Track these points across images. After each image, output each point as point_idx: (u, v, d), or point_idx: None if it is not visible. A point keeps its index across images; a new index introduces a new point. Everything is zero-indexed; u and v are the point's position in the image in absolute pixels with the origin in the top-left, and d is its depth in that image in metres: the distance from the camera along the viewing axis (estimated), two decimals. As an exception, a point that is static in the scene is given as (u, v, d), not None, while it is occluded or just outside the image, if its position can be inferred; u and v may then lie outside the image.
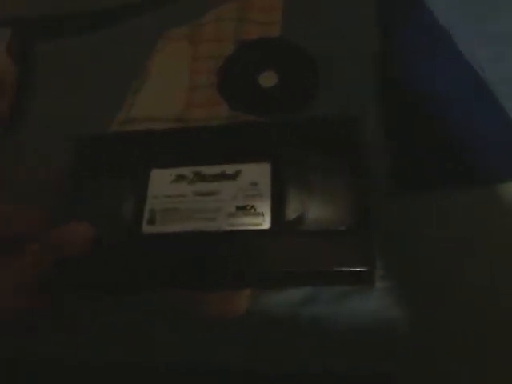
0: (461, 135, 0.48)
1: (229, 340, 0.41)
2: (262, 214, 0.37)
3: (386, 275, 0.42)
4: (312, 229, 0.36)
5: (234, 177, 0.38)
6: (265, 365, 0.40)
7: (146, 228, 0.37)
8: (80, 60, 0.53)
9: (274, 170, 0.38)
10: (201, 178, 0.38)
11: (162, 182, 0.39)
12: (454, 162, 0.46)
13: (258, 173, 0.38)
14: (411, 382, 0.39)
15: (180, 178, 0.39)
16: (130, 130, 0.49)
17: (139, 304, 0.41)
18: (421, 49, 0.53)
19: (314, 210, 0.37)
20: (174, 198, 0.38)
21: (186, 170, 0.39)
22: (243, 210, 0.37)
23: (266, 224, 0.36)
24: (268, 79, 0.51)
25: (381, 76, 0.51)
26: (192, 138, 0.41)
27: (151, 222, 0.37)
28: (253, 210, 0.37)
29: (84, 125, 0.49)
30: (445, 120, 0.49)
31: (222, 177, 0.38)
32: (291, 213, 0.37)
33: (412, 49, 0.53)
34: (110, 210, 0.38)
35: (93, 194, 0.39)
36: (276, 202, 0.37)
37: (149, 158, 0.40)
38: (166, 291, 0.39)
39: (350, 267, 0.35)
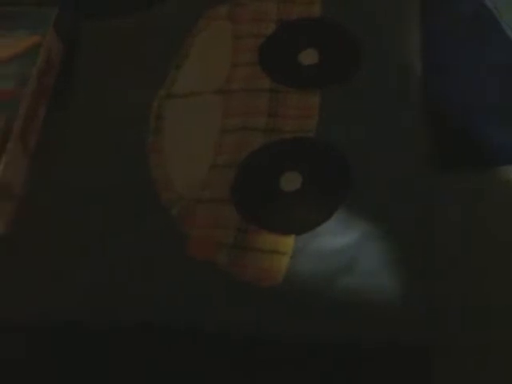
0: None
1: (262, 308, 0.41)
2: None
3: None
4: None
5: None
6: (291, 336, 0.40)
7: None
8: (123, 39, 0.54)
9: None
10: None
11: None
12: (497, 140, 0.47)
13: None
14: (449, 356, 0.38)
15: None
16: (173, 105, 0.50)
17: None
18: (465, 34, 0.53)
19: None
20: None
21: None
22: None
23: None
24: (308, 57, 0.51)
25: (422, 59, 0.51)
26: None
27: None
28: None
29: (127, 101, 0.51)
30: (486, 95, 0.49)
31: None
32: None
33: (455, 33, 0.53)
34: None
35: None
36: None
37: None
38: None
39: None
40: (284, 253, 0.42)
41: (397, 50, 0.51)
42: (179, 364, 0.40)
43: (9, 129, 0.47)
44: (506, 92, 0.49)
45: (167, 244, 0.44)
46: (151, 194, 0.46)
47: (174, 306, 0.41)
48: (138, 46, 0.54)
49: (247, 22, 0.54)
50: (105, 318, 0.41)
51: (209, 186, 0.46)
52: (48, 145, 0.50)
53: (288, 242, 0.42)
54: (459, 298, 0.40)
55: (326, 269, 0.41)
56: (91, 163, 0.49)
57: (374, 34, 0.52)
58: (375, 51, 0.51)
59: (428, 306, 0.39)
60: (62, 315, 0.42)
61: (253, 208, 0.44)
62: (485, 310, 0.40)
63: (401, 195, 0.44)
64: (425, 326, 0.39)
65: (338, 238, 0.42)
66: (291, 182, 0.45)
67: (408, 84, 0.49)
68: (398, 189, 0.44)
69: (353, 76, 0.50)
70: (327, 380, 0.39)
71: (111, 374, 0.40)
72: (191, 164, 0.47)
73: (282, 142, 0.47)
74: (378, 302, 0.40)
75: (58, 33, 0.53)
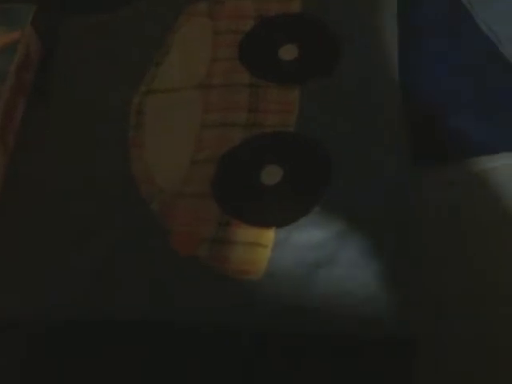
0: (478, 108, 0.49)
1: (244, 300, 0.41)
2: None
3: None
4: None
5: None
6: (275, 326, 0.40)
7: None
8: (103, 35, 0.54)
9: None
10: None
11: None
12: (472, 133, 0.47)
13: None
14: (432, 349, 0.38)
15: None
16: (154, 101, 0.50)
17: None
18: (439, 25, 0.53)
19: None
20: None
21: None
22: None
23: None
24: (288, 52, 0.51)
25: (400, 53, 0.51)
26: None
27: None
28: None
29: (105, 97, 0.51)
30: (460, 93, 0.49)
31: None
32: None
33: (429, 26, 0.53)
34: None
35: None
36: None
37: None
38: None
39: None
40: (265, 245, 0.42)
41: (375, 45, 0.52)
42: (171, 360, 0.40)
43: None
44: (480, 89, 0.49)
45: (149, 238, 0.44)
46: (132, 188, 0.46)
47: (160, 302, 0.41)
48: (118, 42, 0.53)
49: (226, 19, 0.54)
50: (88, 316, 0.41)
51: (189, 181, 0.46)
52: (27, 141, 0.50)
53: (269, 235, 0.42)
54: (444, 288, 0.41)
55: (307, 261, 0.42)
56: (71, 159, 0.48)
57: (352, 29, 0.53)
58: (354, 47, 0.51)
59: (410, 297, 0.40)
60: (53, 314, 0.42)
61: (234, 202, 0.45)
62: (470, 300, 0.40)
63: (381, 189, 0.44)
64: (407, 317, 0.39)
65: (319, 231, 0.43)
66: (272, 175, 0.45)
67: (386, 80, 0.50)
68: (378, 183, 0.44)
69: (332, 71, 0.50)
70: (314, 370, 0.39)
71: (105, 371, 0.40)
72: (172, 159, 0.47)
73: (263, 136, 0.47)
74: (358, 293, 0.40)
75: (36, 29, 0.53)
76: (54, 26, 0.55)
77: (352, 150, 0.46)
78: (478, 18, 0.53)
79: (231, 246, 0.42)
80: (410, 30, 0.53)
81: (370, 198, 0.44)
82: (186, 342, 0.40)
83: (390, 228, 0.43)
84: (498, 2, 0.54)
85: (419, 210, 0.43)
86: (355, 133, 0.47)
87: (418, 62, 0.51)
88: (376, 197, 0.44)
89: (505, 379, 0.38)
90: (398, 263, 0.41)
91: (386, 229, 0.43)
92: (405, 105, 0.48)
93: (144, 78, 0.51)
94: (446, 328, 0.39)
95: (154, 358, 0.40)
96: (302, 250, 0.42)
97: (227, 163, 0.46)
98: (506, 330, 0.39)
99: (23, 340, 0.41)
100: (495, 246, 0.42)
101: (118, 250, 0.43)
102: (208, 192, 0.45)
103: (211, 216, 0.44)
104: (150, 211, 0.44)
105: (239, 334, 0.40)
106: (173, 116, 0.49)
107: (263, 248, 0.42)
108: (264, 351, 0.40)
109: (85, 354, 0.41)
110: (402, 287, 0.40)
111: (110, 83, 0.51)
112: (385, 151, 0.46)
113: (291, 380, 0.39)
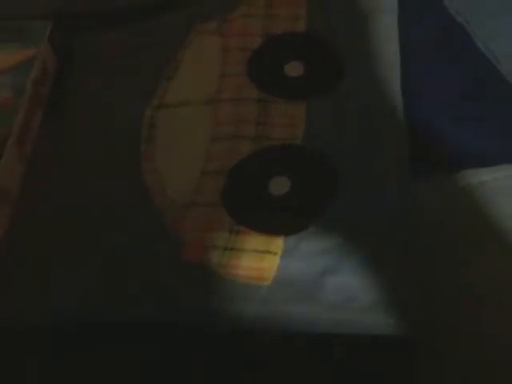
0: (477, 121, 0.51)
1: (254, 306, 0.42)
2: None
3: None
4: None
5: None
6: (283, 332, 0.41)
7: None
8: (116, 51, 0.56)
9: None
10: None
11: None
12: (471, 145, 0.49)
13: None
14: (435, 350, 0.40)
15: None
16: (165, 114, 0.52)
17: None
18: (436, 44, 0.56)
19: None
20: None
21: None
22: None
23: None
24: (294, 69, 0.54)
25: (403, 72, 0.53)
26: None
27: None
28: None
29: (120, 112, 0.53)
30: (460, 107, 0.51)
31: None
32: None
33: (427, 45, 0.56)
34: None
35: None
36: None
37: None
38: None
39: None
40: (275, 253, 0.44)
41: (377, 63, 0.54)
42: (177, 362, 0.41)
43: (6, 136, 0.48)
44: (476, 103, 0.52)
45: (161, 247, 0.45)
46: (144, 200, 0.48)
47: (172, 307, 0.43)
48: (130, 58, 0.55)
49: (235, 36, 0.56)
50: (94, 317, 0.43)
51: (200, 192, 0.47)
52: (42, 153, 0.52)
53: (278, 243, 0.44)
54: (444, 290, 0.42)
55: (314, 268, 0.43)
56: (85, 171, 0.50)
57: (355, 48, 0.55)
58: (357, 64, 0.54)
59: (414, 302, 0.41)
60: (60, 316, 0.43)
61: (243, 211, 0.46)
62: (470, 301, 0.42)
63: (384, 201, 0.46)
64: (412, 321, 0.41)
65: (326, 240, 0.44)
66: (280, 186, 0.47)
67: (388, 95, 0.52)
68: (380, 195, 0.46)
69: (336, 87, 0.52)
70: (318, 371, 0.40)
71: (108, 371, 0.41)
72: (182, 171, 0.49)
73: (271, 148, 0.49)
74: (364, 299, 0.42)
75: (52, 45, 0.55)
76: (68, 41, 0.57)
77: (356, 163, 0.48)
78: (475, 36, 0.55)
79: (242, 254, 0.44)
80: (410, 46, 0.55)
81: (373, 209, 0.46)
82: (192, 343, 0.42)
83: (391, 238, 0.44)
84: (493, 19, 0.56)
85: (416, 216, 0.45)
86: (359, 146, 0.49)
87: (418, 78, 0.53)
88: (379, 208, 0.46)
89: (503, 380, 0.39)
90: (399, 270, 0.43)
91: (388, 239, 0.44)
92: (405, 118, 0.50)
93: (156, 91, 0.53)
94: (445, 328, 0.41)
95: (160, 358, 0.41)
96: (310, 258, 0.44)
97: (236, 174, 0.48)
98: (505, 331, 0.40)
99: (31, 341, 0.43)
100: (492, 253, 0.44)
101: (127, 254, 0.45)
102: (218, 202, 0.47)
103: (222, 225, 0.45)
104: (163, 221, 0.46)
105: (247, 337, 0.41)
106: (183, 129, 0.51)
107: (273, 255, 0.44)
108: (270, 353, 0.41)
109: (89, 354, 0.42)
110: (403, 291, 0.42)
111: (122, 98, 0.53)
112: (387, 164, 0.48)
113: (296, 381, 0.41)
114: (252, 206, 0.47)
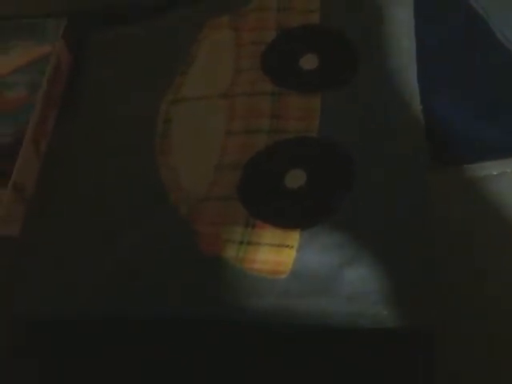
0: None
1: (272, 300, 0.42)
2: None
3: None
4: None
5: None
6: (300, 325, 0.41)
7: None
8: (130, 47, 0.56)
9: None
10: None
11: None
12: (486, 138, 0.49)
13: None
14: (452, 344, 0.40)
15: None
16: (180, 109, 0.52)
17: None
18: (459, 40, 0.55)
19: None
20: None
21: None
22: None
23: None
24: (308, 62, 0.53)
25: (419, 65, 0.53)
26: None
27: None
28: None
29: (135, 107, 0.53)
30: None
31: None
32: None
33: (449, 40, 0.55)
34: None
35: None
36: None
37: None
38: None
39: None
40: (291, 246, 0.43)
41: (392, 54, 0.53)
42: (192, 355, 0.42)
43: (22, 133, 0.49)
44: (495, 95, 0.51)
45: (177, 241, 0.45)
46: (160, 194, 0.48)
47: (190, 302, 0.43)
48: (144, 53, 0.56)
49: (249, 31, 0.56)
50: (116, 312, 0.43)
51: (216, 185, 0.47)
52: (57, 149, 0.52)
53: (294, 236, 0.44)
54: (460, 288, 0.42)
55: (331, 261, 0.43)
56: (99, 169, 0.50)
57: (370, 40, 0.54)
58: (372, 56, 0.53)
59: (430, 296, 0.41)
60: (77, 311, 0.43)
61: (259, 204, 0.46)
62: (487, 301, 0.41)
63: (400, 192, 0.46)
64: (428, 314, 0.40)
65: (341, 233, 0.44)
66: (295, 179, 0.46)
67: (403, 87, 0.51)
68: (396, 188, 0.46)
69: (351, 80, 0.52)
70: (339, 367, 0.40)
71: (114, 367, 0.42)
72: (198, 165, 0.49)
73: (286, 141, 0.48)
74: (381, 292, 0.42)
75: (66, 42, 0.55)
76: (82, 38, 0.57)
77: (371, 155, 0.48)
78: (494, 28, 0.54)
79: (258, 247, 0.44)
80: (427, 39, 0.54)
81: (388, 202, 0.45)
82: (208, 337, 0.42)
83: (406, 231, 0.44)
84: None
85: (432, 209, 0.45)
86: (374, 138, 0.48)
87: (434, 71, 0.53)
88: (394, 201, 0.45)
89: (506, 379, 0.39)
90: (414, 263, 0.43)
91: (403, 232, 0.44)
92: (421, 109, 0.49)
93: (170, 86, 0.53)
94: (456, 326, 0.40)
95: (174, 353, 0.41)
96: (326, 251, 0.43)
97: (252, 168, 0.48)
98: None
99: (47, 339, 0.43)
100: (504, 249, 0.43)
101: (145, 250, 0.45)
102: (234, 196, 0.46)
103: (238, 218, 0.45)
104: (179, 215, 0.46)
105: (264, 331, 0.41)
106: (198, 124, 0.51)
107: (289, 249, 0.43)
108: (283, 348, 0.41)
109: (92, 353, 0.42)
110: (418, 284, 0.42)
111: (137, 93, 0.53)
112: (402, 157, 0.47)
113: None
114: (268, 199, 0.46)
